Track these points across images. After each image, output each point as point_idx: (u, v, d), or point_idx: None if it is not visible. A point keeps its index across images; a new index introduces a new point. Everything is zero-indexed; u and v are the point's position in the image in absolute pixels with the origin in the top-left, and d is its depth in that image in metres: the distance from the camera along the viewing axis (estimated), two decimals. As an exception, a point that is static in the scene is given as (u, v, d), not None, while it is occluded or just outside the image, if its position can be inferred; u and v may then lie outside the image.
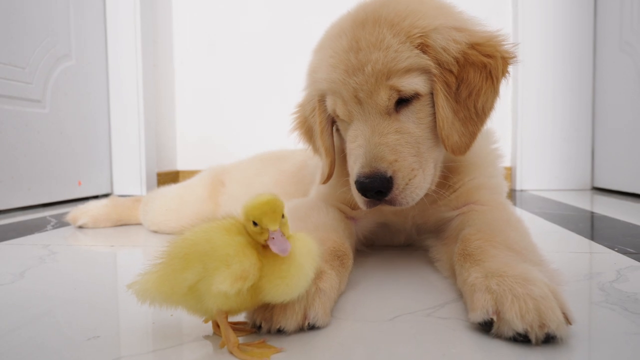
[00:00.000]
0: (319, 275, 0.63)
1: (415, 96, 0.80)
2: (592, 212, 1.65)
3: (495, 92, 0.81)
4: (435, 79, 0.79)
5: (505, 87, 0.83)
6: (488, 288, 0.58)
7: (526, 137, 2.59)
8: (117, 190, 2.50)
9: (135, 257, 1.12)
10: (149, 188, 2.51)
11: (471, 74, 0.79)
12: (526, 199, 2.14)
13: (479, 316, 0.57)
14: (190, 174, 2.88)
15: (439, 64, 0.79)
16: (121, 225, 1.47)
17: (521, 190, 2.55)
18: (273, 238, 0.51)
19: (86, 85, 2.31)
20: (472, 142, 0.81)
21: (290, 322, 0.57)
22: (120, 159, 2.52)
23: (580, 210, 1.70)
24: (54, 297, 0.77)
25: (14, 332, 0.61)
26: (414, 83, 0.78)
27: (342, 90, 0.81)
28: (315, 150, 0.98)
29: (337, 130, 0.92)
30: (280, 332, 0.57)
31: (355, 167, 0.79)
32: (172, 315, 0.64)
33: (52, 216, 1.70)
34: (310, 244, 0.54)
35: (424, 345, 0.56)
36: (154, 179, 2.62)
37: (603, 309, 0.66)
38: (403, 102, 0.80)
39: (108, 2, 2.45)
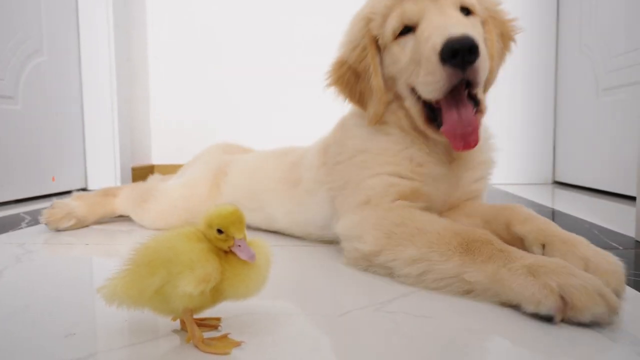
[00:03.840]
0: None
1: (471, 12, 0.92)
2: (553, 209, 1.75)
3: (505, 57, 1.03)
4: (488, 21, 0.96)
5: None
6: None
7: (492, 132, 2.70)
8: (92, 185, 2.51)
9: (110, 254, 1.16)
10: (123, 183, 2.53)
11: (499, 32, 0.98)
12: (491, 194, 2.23)
13: None
14: (166, 167, 2.91)
15: (489, 8, 0.97)
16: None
17: (487, 185, 2.66)
18: (239, 246, 0.57)
19: (59, 81, 2.31)
20: (495, 76, 1.00)
21: None
22: (94, 154, 2.52)
23: (541, 207, 1.80)
24: (32, 296, 0.81)
25: (-6, 330, 0.66)
26: (474, 2, 0.93)
27: None
28: (357, 98, 1.01)
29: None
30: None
31: (439, 38, 0.81)
32: (143, 312, 0.69)
33: (25, 213, 1.72)
34: (264, 247, 0.61)
35: (369, 337, 0.63)
36: (129, 174, 2.64)
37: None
38: (464, 11, 0.91)
39: (80, -4, 2.43)
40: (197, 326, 0.60)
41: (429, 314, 0.70)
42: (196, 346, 0.58)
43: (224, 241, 0.57)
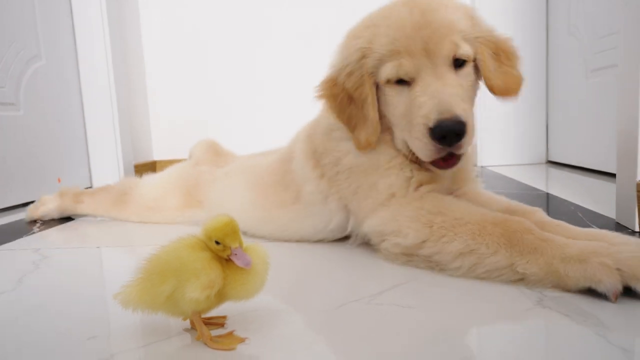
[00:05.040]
0: None
1: (465, 61, 0.96)
2: (545, 192, 1.79)
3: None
4: (480, 46, 0.97)
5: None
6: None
7: (485, 115, 2.74)
8: (97, 184, 2.58)
9: (120, 257, 1.24)
10: (127, 180, 2.59)
11: (503, 57, 1.01)
12: (487, 177, 2.29)
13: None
14: (167, 163, 2.97)
15: (483, 35, 0.98)
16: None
17: (482, 167, 2.72)
18: (236, 254, 0.63)
19: (58, 84, 2.36)
20: (519, 87, 1.02)
21: None
22: (97, 153, 2.59)
23: (532, 190, 1.86)
24: (52, 301, 0.88)
25: (23, 334, 0.73)
26: (467, 49, 0.95)
27: (410, 45, 0.92)
28: (345, 119, 1.03)
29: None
30: None
31: (432, 114, 0.88)
32: (157, 314, 0.77)
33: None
34: (262, 252, 0.67)
35: (362, 328, 0.70)
36: (132, 171, 2.70)
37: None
38: (458, 64, 0.95)
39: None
40: (205, 325, 0.67)
41: (416, 305, 0.77)
42: (205, 343, 0.65)
43: (222, 250, 0.64)
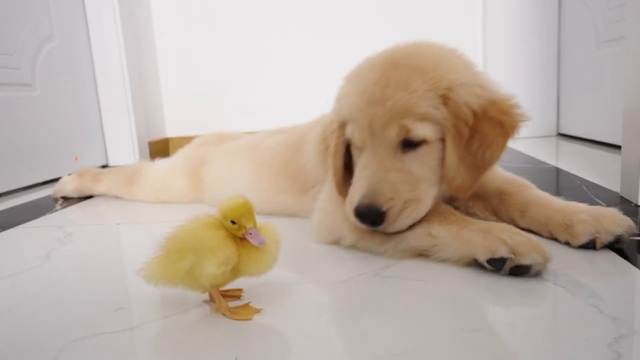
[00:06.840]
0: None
1: (423, 142, 0.88)
2: (551, 166, 1.81)
3: (504, 146, 0.90)
4: (447, 130, 0.88)
5: (513, 144, 0.94)
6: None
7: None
8: (112, 161, 2.65)
9: (138, 233, 1.30)
10: (142, 157, 2.65)
11: (486, 128, 0.87)
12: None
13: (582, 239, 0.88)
14: (179, 140, 3.02)
15: (456, 115, 0.87)
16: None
17: (492, 140, 2.72)
18: (250, 233, 0.68)
19: (72, 64, 2.39)
20: (474, 185, 0.91)
21: None
22: (112, 131, 2.64)
23: (541, 164, 1.88)
24: (80, 275, 0.95)
25: (53, 306, 0.79)
26: (425, 131, 0.87)
27: (360, 118, 0.90)
28: (325, 168, 1.09)
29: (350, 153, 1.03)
30: None
31: (357, 195, 0.89)
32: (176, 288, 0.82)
33: (57, 194, 1.86)
34: (274, 231, 0.72)
35: (368, 300, 0.75)
36: (146, 148, 2.76)
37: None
38: (412, 144, 0.88)
39: (83, -23, 2.47)
40: (222, 297, 0.72)
41: (422, 278, 0.81)
42: (223, 314, 0.71)
43: (238, 230, 0.68)
